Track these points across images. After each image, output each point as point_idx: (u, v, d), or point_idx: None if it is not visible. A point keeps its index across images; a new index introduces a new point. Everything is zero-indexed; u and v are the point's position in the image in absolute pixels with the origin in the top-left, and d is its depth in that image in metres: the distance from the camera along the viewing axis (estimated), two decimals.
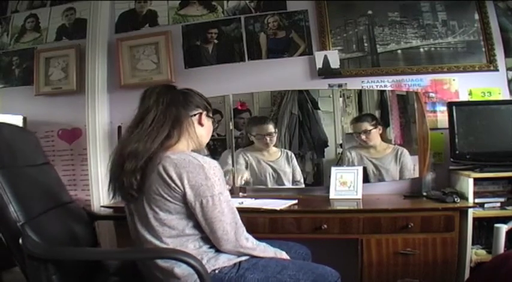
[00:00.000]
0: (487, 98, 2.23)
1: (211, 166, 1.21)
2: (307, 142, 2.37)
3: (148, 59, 2.58)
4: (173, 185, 1.17)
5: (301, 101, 2.36)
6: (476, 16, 2.27)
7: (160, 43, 2.56)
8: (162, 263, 1.20)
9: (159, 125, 1.22)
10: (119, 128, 2.61)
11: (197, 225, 1.23)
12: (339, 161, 2.32)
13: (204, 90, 1.45)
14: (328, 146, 2.35)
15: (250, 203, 2.06)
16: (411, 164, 2.27)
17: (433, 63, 2.30)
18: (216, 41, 2.54)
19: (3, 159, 1.25)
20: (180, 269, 1.18)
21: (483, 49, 2.25)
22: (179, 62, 2.58)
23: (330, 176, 2.22)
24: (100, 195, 2.55)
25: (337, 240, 1.93)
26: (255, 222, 1.86)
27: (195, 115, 1.33)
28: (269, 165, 2.39)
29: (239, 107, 2.42)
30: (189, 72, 2.56)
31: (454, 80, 2.28)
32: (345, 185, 2.17)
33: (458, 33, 2.28)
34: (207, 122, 1.37)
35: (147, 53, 2.59)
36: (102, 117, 2.60)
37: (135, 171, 1.17)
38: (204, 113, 1.35)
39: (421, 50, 2.31)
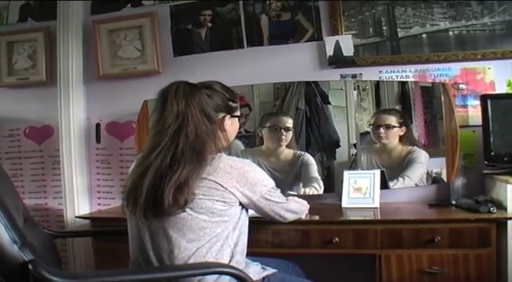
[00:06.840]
0: None
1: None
2: (316, 142, 2.27)
3: (131, 45, 2.47)
4: (230, 189, 1.23)
5: (309, 95, 2.27)
6: None
7: (145, 26, 2.43)
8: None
9: (202, 138, 1.23)
10: (97, 125, 2.54)
11: (232, 232, 1.29)
12: (353, 164, 2.22)
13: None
14: (340, 146, 2.25)
15: (251, 212, 1.89)
16: (421, 169, 2.15)
17: (464, 49, 2.14)
18: (210, 25, 2.43)
19: None
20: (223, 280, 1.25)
21: None
22: (167, 48, 2.46)
23: (342, 181, 2.10)
24: (75, 203, 2.45)
25: (351, 255, 1.89)
26: (255, 235, 1.73)
27: (216, 122, 1.33)
28: (271, 172, 2.25)
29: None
30: (179, 60, 2.45)
31: (489, 68, 2.13)
32: (360, 192, 2.06)
33: (497, 13, 2.13)
34: (231, 124, 1.39)
35: (129, 39, 2.48)
36: (77, 112, 2.49)
37: (183, 186, 1.17)
38: (227, 116, 1.37)
39: (450, 33, 2.16)
